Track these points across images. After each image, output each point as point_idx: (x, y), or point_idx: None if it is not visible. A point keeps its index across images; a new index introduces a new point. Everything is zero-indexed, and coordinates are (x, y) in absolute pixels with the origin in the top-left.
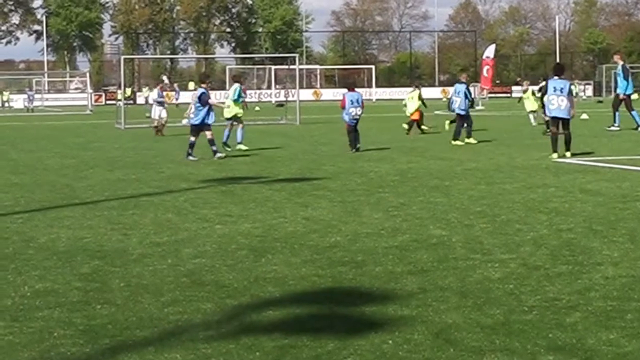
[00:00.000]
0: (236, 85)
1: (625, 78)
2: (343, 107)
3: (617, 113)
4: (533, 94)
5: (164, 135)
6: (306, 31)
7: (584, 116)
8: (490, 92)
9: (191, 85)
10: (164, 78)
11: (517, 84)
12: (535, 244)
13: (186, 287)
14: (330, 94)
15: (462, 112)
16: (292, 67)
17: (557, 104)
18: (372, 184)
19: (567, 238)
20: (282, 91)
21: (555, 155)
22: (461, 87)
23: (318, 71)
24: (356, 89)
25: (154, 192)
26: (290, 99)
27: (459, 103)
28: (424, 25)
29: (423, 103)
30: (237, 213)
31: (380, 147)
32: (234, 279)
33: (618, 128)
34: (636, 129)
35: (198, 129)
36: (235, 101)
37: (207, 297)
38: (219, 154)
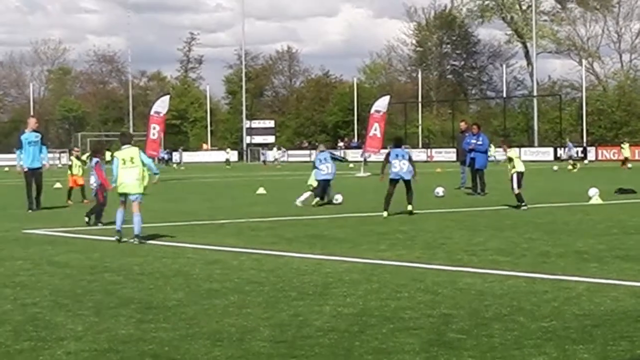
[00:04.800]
0: None
1: None
2: None
3: None
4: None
5: None
6: None
7: (58, 184)
8: None
9: None
10: None
11: None
12: None
13: None
14: None
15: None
16: None
17: (399, 167)
18: None
19: (32, 313)
20: None
21: (385, 213)
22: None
23: None
24: None
25: None
26: None
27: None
28: None
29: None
30: None
31: None
32: None
33: None
34: None
35: None
36: None
37: None
38: None
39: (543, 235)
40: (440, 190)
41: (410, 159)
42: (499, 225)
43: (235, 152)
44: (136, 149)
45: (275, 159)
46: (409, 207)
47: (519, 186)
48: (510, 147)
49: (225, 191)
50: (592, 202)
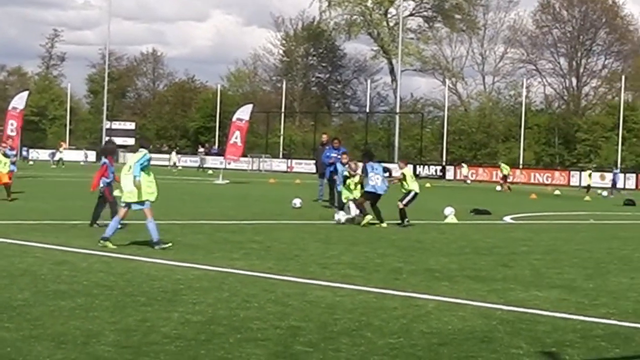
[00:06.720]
0: None
1: None
2: None
3: None
4: None
5: None
6: None
7: None
8: None
9: None
10: None
11: None
12: None
13: None
14: None
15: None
16: None
17: (375, 181)
18: None
19: None
20: None
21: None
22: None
23: None
24: None
25: None
26: None
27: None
28: None
29: None
30: None
31: None
32: None
33: None
34: None
35: None
36: None
37: None
38: None
39: (396, 251)
40: (297, 202)
41: (382, 173)
42: (354, 240)
43: (83, 152)
44: (139, 155)
45: (174, 163)
46: (384, 225)
47: (407, 204)
48: (407, 164)
49: (79, 191)
50: (447, 221)
